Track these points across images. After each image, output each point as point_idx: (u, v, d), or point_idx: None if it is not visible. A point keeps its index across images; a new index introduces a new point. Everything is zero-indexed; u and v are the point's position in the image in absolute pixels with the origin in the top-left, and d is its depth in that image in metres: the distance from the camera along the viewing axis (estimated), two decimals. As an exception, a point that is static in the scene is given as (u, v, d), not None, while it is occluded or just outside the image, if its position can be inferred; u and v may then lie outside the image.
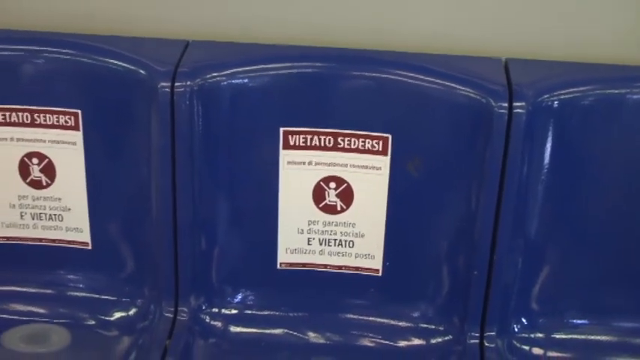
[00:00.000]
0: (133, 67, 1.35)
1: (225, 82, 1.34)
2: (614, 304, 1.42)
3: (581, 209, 1.36)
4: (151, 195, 1.41)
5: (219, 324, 1.43)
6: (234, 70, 1.34)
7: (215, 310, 1.45)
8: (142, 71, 1.35)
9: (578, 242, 1.39)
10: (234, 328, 1.43)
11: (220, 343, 1.42)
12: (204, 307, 1.44)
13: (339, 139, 1.40)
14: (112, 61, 1.36)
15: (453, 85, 1.32)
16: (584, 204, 1.36)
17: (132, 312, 1.46)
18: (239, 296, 1.46)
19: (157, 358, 1.35)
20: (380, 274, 1.47)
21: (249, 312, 1.45)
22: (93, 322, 1.46)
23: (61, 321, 1.46)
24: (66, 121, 1.42)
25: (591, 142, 1.33)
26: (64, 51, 1.36)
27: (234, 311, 1.45)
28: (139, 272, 1.47)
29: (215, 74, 1.34)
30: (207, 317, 1.44)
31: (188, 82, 1.33)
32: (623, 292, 1.41)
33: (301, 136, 1.41)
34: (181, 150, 1.36)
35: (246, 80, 1.35)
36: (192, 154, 1.36)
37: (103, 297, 1.48)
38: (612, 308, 1.42)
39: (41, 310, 1.47)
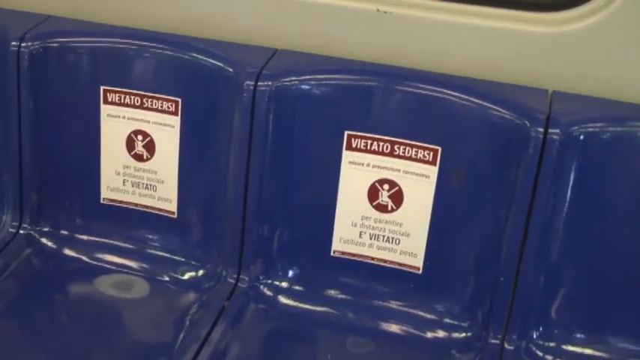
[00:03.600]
0: (225, 67, 1.61)
1: (299, 87, 1.57)
2: (621, 326, 1.52)
3: (600, 235, 1.48)
4: (228, 177, 1.65)
5: (270, 293, 1.65)
6: (308, 77, 1.58)
7: (269, 281, 1.67)
8: (232, 70, 1.60)
9: (595, 265, 1.51)
10: (282, 299, 1.64)
11: (268, 310, 1.64)
12: (261, 278, 1.67)
13: (395, 147, 1.58)
14: (208, 59, 1.63)
15: (496, 108, 1.49)
16: (602, 231, 1.48)
17: (200, 273, 1.70)
18: (291, 273, 1.67)
19: (214, 315, 1.59)
20: (420, 271, 1.63)
21: (299, 288, 1.66)
22: (168, 279, 1.71)
23: (143, 274, 1.72)
24: (168, 107, 1.68)
25: (612, 175, 1.45)
26: (168, 48, 1.64)
27: (284, 284, 1.66)
28: (211, 241, 1.71)
29: (292, 79, 1.57)
30: (262, 286, 1.66)
31: (269, 83, 1.57)
32: (633, 317, 1.52)
33: (362, 140, 1.60)
34: (257, 141, 1.59)
35: (317, 86, 1.57)
36: (265, 144, 1.59)
37: (179, 258, 1.73)
38: (618, 330, 1.52)
39: (129, 263, 1.74)
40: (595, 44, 1.53)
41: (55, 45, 1.67)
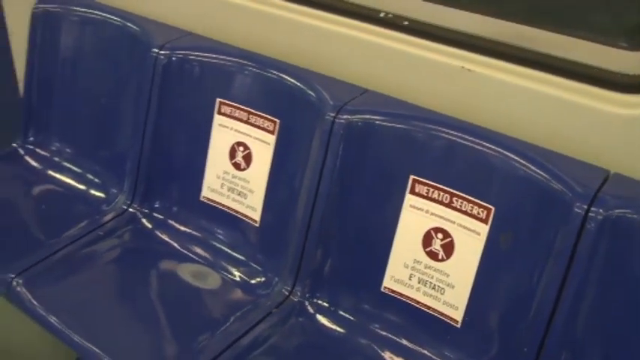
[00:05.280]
0: (316, 96, 1.77)
1: (373, 125, 1.68)
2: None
3: (625, 324, 1.42)
4: (300, 197, 1.79)
5: (312, 310, 1.77)
6: (383, 117, 1.69)
7: (315, 300, 1.78)
8: (321, 101, 1.75)
9: (618, 354, 1.45)
10: (321, 318, 1.75)
11: (305, 325, 1.75)
12: (308, 295, 1.79)
13: (454, 199, 1.64)
14: (306, 88, 1.79)
15: (549, 177, 1.50)
16: (627, 320, 1.42)
17: (262, 279, 1.85)
18: (337, 297, 1.76)
19: (259, 317, 1.74)
20: (459, 325, 1.66)
21: (341, 312, 1.74)
22: (238, 279, 1.88)
23: (218, 269, 1.90)
24: (268, 126, 1.87)
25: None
26: (277, 73, 1.84)
27: (325, 304, 1.76)
28: (278, 254, 1.85)
29: (368, 117, 1.69)
30: (307, 302, 1.78)
31: (347, 117, 1.70)
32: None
33: (425, 187, 1.67)
34: (328, 169, 1.72)
35: (390, 128, 1.68)
36: (334, 173, 1.72)
37: (250, 263, 1.90)
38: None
39: (209, 257, 1.94)
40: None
41: (186, 57, 1.94)
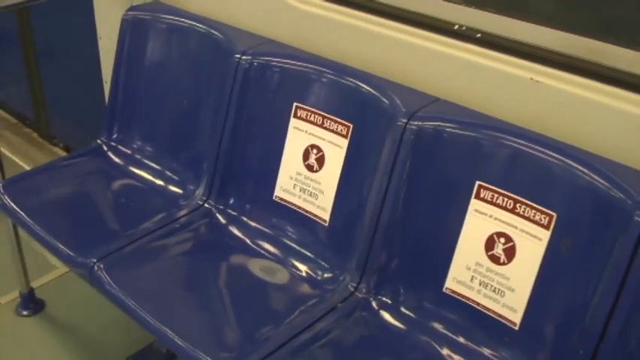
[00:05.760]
0: (389, 103, 1.86)
1: (441, 132, 1.77)
2: None
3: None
4: (369, 199, 1.88)
5: (376, 306, 1.84)
6: (451, 124, 1.76)
7: (379, 296, 1.86)
8: (393, 108, 1.84)
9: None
10: (384, 314, 1.83)
11: (368, 319, 1.83)
12: (373, 292, 1.87)
13: (517, 205, 1.71)
14: (379, 95, 1.89)
15: (610, 187, 1.56)
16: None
17: (329, 276, 1.94)
18: (401, 295, 1.84)
19: (323, 312, 1.82)
20: (517, 327, 1.71)
21: (403, 310, 1.82)
22: (305, 275, 1.98)
23: (287, 266, 2.00)
24: (341, 130, 1.97)
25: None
26: (352, 80, 1.94)
27: (389, 301, 1.85)
28: (345, 253, 1.94)
29: (437, 124, 1.78)
30: (371, 298, 1.86)
31: (417, 123, 1.79)
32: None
33: (490, 193, 1.74)
34: (397, 173, 1.81)
35: (457, 135, 1.75)
36: (402, 177, 1.80)
37: (319, 260, 1.99)
38: None
39: (279, 254, 2.04)
40: None
41: (266, 62, 2.06)
